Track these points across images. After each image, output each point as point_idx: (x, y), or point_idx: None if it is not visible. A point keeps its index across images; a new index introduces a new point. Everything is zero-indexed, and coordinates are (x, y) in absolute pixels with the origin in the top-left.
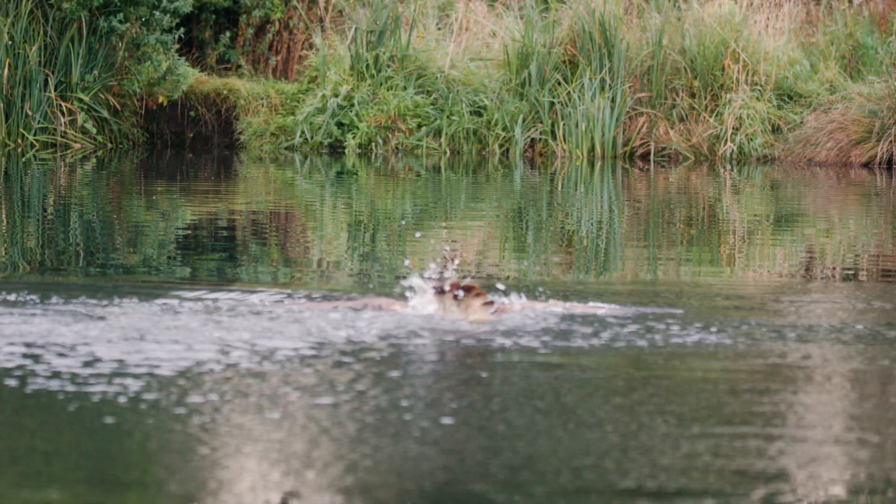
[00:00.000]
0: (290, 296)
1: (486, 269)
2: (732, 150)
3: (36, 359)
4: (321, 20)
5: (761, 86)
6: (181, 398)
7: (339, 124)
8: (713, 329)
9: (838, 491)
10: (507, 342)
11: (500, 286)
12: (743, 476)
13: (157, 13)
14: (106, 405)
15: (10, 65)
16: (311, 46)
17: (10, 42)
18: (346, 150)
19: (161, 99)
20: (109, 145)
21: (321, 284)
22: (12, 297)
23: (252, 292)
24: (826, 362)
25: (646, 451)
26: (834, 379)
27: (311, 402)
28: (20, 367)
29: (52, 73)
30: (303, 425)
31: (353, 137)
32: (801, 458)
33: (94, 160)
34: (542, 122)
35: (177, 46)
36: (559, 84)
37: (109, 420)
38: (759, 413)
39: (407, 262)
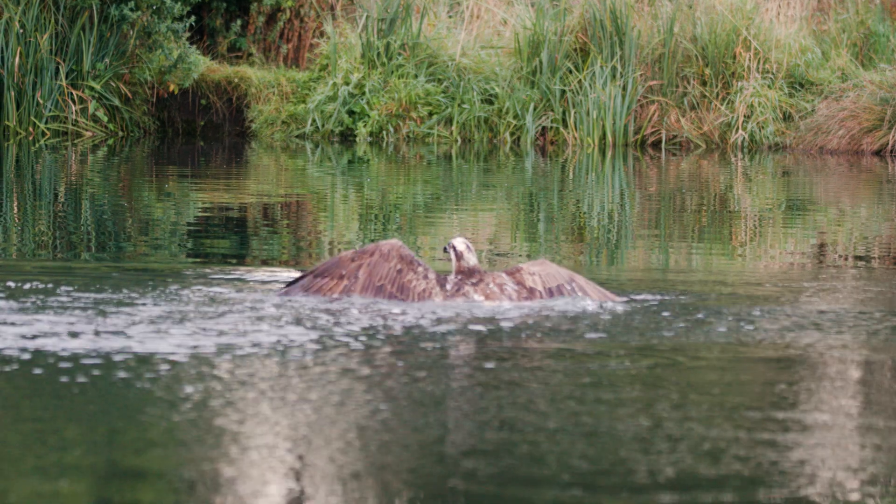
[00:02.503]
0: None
1: (499, 251)
2: (744, 138)
3: (43, 347)
4: (332, 8)
5: (773, 74)
6: (193, 385)
7: (350, 112)
8: (726, 318)
9: (857, 480)
10: (517, 333)
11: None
12: (759, 468)
13: (167, 1)
14: (118, 392)
15: (21, 53)
16: (322, 34)
17: (21, 30)
18: (357, 139)
19: (172, 87)
20: (121, 133)
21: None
22: (27, 286)
23: (269, 277)
24: (842, 351)
25: (665, 441)
26: (852, 368)
27: (327, 390)
28: (30, 354)
29: (64, 61)
30: (317, 414)
31: (364, 126)
32: (818, 449)
33: (106, 148)
34: (553, 111)
35: (188, 35)
36: (570, 72)
37: (121, 407)
38: (774, 403)
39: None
